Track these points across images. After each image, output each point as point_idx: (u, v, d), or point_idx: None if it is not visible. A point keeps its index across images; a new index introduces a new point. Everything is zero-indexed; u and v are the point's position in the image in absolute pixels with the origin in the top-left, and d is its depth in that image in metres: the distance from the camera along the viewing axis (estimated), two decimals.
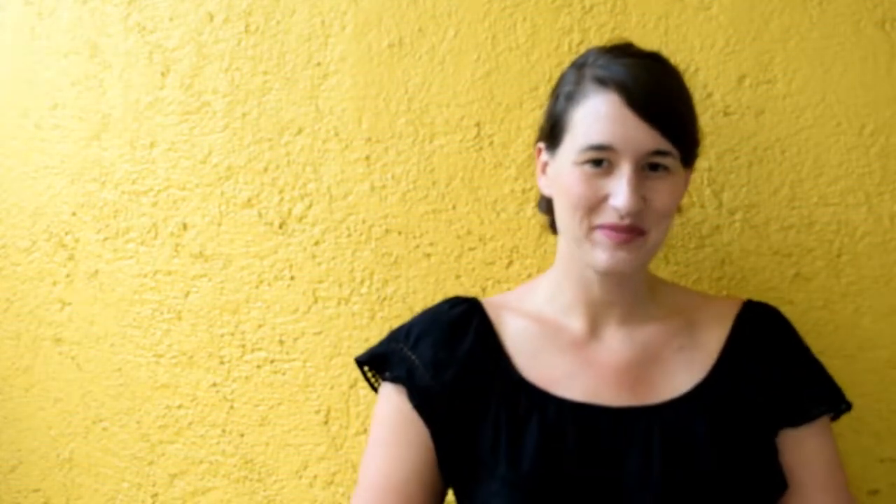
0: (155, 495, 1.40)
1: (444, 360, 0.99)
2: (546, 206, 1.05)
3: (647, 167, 0.92)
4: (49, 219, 1.45)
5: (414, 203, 1.27)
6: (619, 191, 0.90)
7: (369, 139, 1.28)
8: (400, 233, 1.28)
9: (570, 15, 1.21)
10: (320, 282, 1.31)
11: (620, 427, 0.94)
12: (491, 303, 1.06)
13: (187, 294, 1.37)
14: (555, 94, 1.00)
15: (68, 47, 1.43)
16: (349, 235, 1.29)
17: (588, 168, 0.92)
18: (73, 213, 1.43)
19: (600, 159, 0.91)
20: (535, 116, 1.22)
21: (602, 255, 0.93)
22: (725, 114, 1.17)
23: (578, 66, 0.97)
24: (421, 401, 0.98)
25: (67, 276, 1.44)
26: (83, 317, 1.43)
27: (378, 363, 1.05)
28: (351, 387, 1.30)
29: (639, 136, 0.90)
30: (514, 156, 1.23)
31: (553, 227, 1.05)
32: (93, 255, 1.42)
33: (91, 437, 1.43)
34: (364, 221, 1.29)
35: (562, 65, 1.20)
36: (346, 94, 1.29)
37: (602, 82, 0.92)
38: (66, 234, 1.44)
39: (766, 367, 0.98)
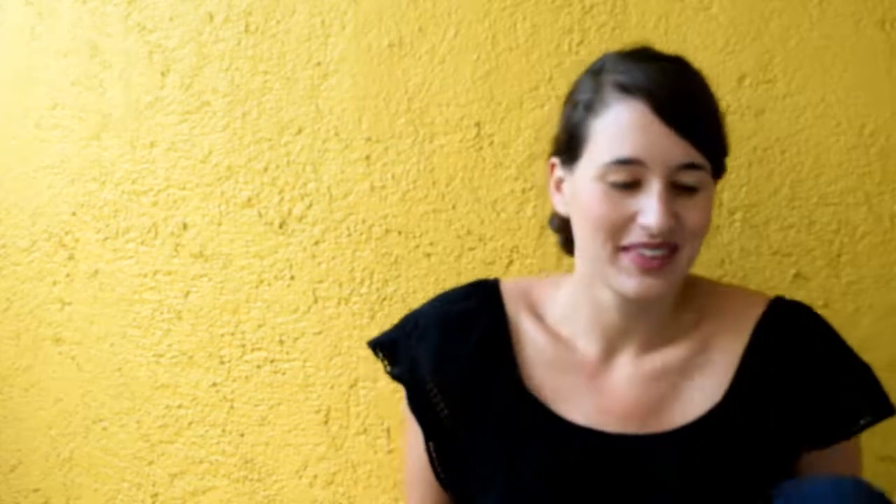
0: (155, 495, 1.40)
1: (447, 359, 0.96)
2: (558, 223, 0.98)
3: (677, 186, 0.84)
4: (49, 219, 1.45)
5: (414, 203, 1.27)
6: (650, 208, 0.82)
7: (369, 139, 1.28)
8: (400, 233, 1.28)
9: (570, 15, 1.21)
10: (320, 282, 1.31)
11: (625, 454, 0.89)
12: (512, 294, 0.99)
13: (187, 294, 1.37)
14: (570, 104, 0.91)
15: (68, 47, 1.42)
16: (349, 235, 1.29)
17: (612, 185, 0.84)
18: (73, 213, 1.43)
19: (627, 177, 0.83)
20: (535, 116, 1.22)
21: (629, 281, 0.85)
22: (725, 114, 1.17)
23: (595, 72, 0.89)
24: (418, 402, 0.97)
25: (67, 275, 1.44)
26: (83, 317, 1.43)
27: (388, 349, 1.02)
28: (351, 387, 1.30)
29: (669, 147, 0.82)
30: (514, 156, 1.23)
31: (566, 247, 0.99)
32: (93, 255, 1.42)
33: (91, 437, 1.43)
34: (364, 221, 1.29)
35: (562, 65, 1.20)
36: (346, 94, 1.29)
37: (625, 89, 0.84)
38: (66, 234, 1.43)
39: (790, 382, 0.90)
